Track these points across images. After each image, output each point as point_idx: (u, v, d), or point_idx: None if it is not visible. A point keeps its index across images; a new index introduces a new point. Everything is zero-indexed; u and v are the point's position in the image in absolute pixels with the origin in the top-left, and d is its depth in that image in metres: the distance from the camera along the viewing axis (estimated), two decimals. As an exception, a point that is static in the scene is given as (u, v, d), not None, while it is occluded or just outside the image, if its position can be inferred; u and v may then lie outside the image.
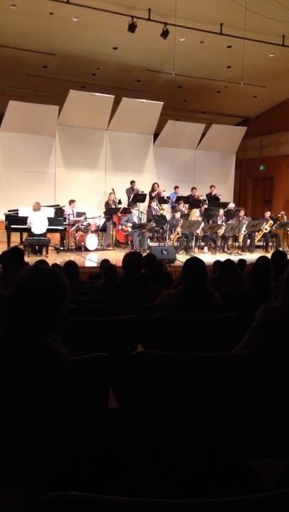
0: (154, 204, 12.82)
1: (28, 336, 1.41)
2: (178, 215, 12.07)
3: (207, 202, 13.31)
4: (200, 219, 12.05)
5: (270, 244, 12.68)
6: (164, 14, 10.39)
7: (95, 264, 9.28)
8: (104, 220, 12.17)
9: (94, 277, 6.45)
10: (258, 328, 1.85)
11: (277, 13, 10.19)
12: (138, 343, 2.75)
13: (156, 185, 13.35)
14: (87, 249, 11.15)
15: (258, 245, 12.67)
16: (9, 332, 1.42)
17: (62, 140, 13.45)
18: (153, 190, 13.25)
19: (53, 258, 9.93)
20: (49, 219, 10.70)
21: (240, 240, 12.34)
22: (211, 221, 12.51)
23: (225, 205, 13.22)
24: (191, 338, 2.62)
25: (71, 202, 11.92)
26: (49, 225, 10.58)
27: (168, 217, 12.65)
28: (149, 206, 12.99)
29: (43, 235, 10.37)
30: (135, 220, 11.79)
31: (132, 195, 12.81)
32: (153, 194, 13.17)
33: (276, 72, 13.55)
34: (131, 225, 11.54)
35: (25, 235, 10.75)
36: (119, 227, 12.06)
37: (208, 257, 10.38)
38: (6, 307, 1.45)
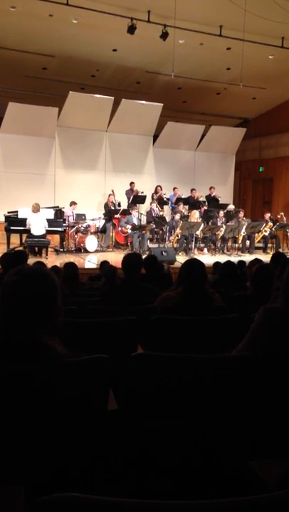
0: (153, 205, 12.83)
1: (26, 336, 1.41)
2: (177, 216, 12.08)
3: (207, 203, 13.33)
4: (200, 220, 12.05)
5: (270, 245, 12.69)
6: (163, 16, 10.41)
7: (94, 266, 9.28)
8: (103, 221, 12.17)
9: (94, 279, 6.46)
10: (258, 329, 1.85)
11: (276, 14, 10.20)
12: (138, 344, 2.75)
13: (158, 187, 13.38)
14: (86, 251, 11.15)
15: (257, 246, 12.68)
16: (7, 333, 1.42)
17: (61, 141, 13.46)
18: (156, 192, 13.28)
19: (52, 259, 9.93)
20: (49, 220, 10.68)
21: (240, 242, 12.35)
22: (210, 222, 12.52)
23: (224, 206, 13.23)
24: (191, 340, 2.61)
25: (72, 204, 11.91)
26: (49, 227, 10.57)
27: (167, 218, 12.66)
28: (150, 208, 13.01)
29: (43, 236, 10.36)
30: (135, 221, 11.78)
31: (131, 197, 12.82)
32: (156, 196, 13.20)
33: (275, 74, 13.57)
34: (130, 226, 11.54)
35: (24, 236, 10.75)
36: (119, 228, 12.06)
37: (207, 259, 10.38)
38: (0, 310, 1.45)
